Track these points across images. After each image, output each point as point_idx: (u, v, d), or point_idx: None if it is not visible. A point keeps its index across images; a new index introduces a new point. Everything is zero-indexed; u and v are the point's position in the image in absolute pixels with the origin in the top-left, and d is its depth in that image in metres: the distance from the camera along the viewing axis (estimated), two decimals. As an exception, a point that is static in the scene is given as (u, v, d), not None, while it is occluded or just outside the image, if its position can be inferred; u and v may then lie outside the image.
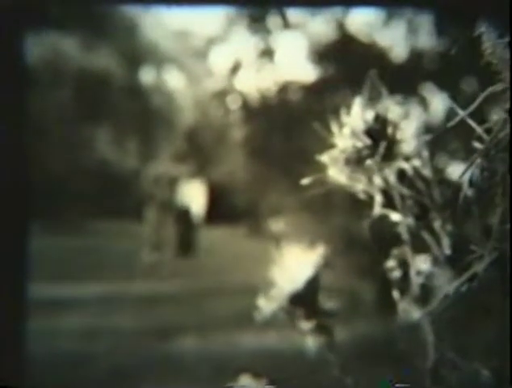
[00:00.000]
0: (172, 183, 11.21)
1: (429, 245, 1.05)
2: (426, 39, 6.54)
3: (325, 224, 6.82)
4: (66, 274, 7.18)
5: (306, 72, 7.54)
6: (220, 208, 14.30)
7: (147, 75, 15.09)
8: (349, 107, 1.08)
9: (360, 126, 1.06)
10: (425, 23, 6.42)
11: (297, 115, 7.10)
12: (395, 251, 1.08)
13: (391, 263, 1.09)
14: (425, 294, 1.03)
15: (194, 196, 11.79)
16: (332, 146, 1.08)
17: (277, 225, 8.48)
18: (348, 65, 6.37)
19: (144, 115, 14.47)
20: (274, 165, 7.80)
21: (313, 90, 6.92)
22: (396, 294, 1.06)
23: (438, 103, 6.15)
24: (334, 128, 1.08)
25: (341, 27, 6.93)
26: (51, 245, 8.00)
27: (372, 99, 1.06)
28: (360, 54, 6.48)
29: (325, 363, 1.20)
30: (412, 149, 1.06)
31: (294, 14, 7.25)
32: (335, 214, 6.60)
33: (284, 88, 7.80)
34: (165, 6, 8.69)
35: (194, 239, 11.28)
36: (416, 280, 1.04)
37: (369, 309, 5.60)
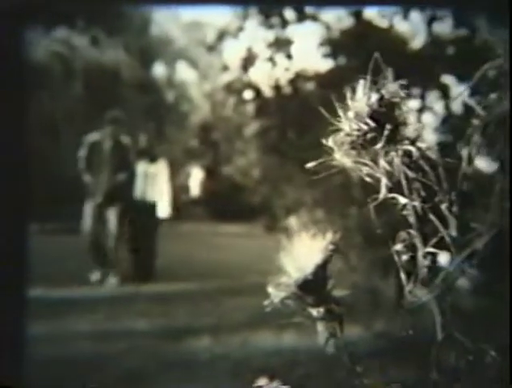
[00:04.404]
0: (122, 160, 7.51)
1: (436, 227, 1.04)
2: (445, 27, 6.53)
3: (339, 215, 6.82)
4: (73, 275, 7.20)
5: (322, 62, 7.54)
6: (235, 205, 14.27)
7: (159, 70, 15.15)
8: (354, 91, 1.08)
9: (364, 109, 1.06)
10: (445, 12, 6.39)
11: (313, 106, 7.08)
12: (402, 234, 1.08)
13: (398, 246, 1.09)
14: (433, 277, 1.03)
15: (156, 182, 8.12)
16: (338, 130, 1.09)
17: (293, 221, 8.45)
18: (365, 53, 6.34)
19: (157, 110, 14.51)
20: (289, 158, 7.79)
21: (330, 81, 6.90)
22: (403, 277, 1.07)
23: (457, 89, 6.15)
24: (340, 111, 1.08)
25: (357, 15, 6.92)
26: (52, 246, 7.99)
27: (377, 83, 1.07)
28: (378, 41, 6.45)
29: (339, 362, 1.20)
30: (417, 131, 1.06)
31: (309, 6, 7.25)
32: (349, 208, 6.60)
33: (300, 79, 7.79)
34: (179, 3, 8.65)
35: (153, 257, 8.05)
36: (423, 263, 1.04)
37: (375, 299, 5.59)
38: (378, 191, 1.07)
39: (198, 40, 13.38)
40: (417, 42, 6.74)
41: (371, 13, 6.82)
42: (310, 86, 7.74)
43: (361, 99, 1.06)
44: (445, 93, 6.03)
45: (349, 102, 1.07)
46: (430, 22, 6.40)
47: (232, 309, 6.26)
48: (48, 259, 7.21)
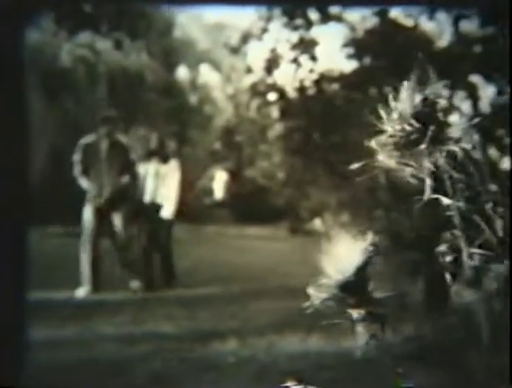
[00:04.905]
0: (122, 161, 7.12)
1: (481, 228, 1.04)
2: (472, 26, 6.48)
3: (365, 218, 6.78)
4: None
5: (347, 63, 7.52)
6: (259, 207, 14.25)
7: (183, 73, 15.16)
8: (397, 92, 1.08)
9: (409, 110, 1.05)
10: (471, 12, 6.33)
11: (338, 107, 7.07)
12: (446, 235, 1.07)
13: (442, 247, 1.08)
14: (478, 277, 1.02)
15: (166, 183, 7.53)
16: (380, 132, 1.08)
17: (318, 223, 8.40)
18: (391, 53, 6.31)
19: (181, 113, 14.53)
20: (314, 160, 7.76)
21: (354, 81, 6.86)
22: (448, 278, 1.06)
23: (486, 89, 6.09)
24: (383, 113, 1.08)
25: (382, 14, 6.88)
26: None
27: (421, 84, 1.06)
28: (403, 41, 6.39)
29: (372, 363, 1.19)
30: (461, 132, 1.06)
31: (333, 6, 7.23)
32: (376, 210, 6.57)
33: (324, 80, 7.76)
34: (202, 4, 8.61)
35: (170, 260, 7.61)
36: (468, 263, 1.03)
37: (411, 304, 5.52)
38: (406, 194, 1.07)
39: (221, 42, 13.39)
40: (444, 41, 6.69)
41: (396, 12, 6.78)
42: (335, 87, 7.71)
43: (405, 99, 1.06)
44: (472, 92, 5.97)
45: (392, 103, 1.07)
46: (457, 20, 6.35)
47: (258, 312, 6.23)
48: (73, 262, 7.22)
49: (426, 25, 6.71)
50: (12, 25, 3.11)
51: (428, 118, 1.05)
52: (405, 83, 1.06)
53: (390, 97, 1.07)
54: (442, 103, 1.06)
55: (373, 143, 1.07)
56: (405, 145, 1.05)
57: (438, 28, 6.64)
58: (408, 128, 1.04)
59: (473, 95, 5.95)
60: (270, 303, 6.46)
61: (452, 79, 5.71)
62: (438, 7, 6.06)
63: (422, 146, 1.04)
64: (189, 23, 15.46)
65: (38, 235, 11.57)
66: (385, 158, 1.06)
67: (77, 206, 7.08)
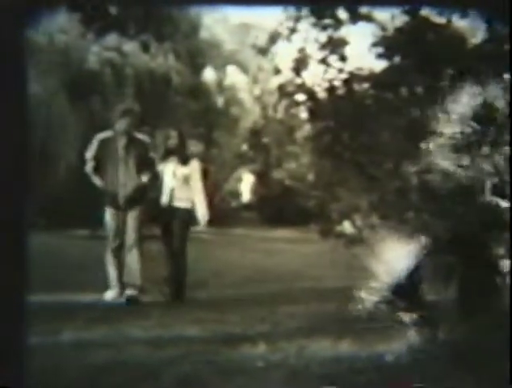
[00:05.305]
0: (142, 158, 6.73)
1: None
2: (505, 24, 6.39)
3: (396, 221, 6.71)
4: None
5: (377, 62, 7.48)
6: (287, 210, 14.18)
7: (209, 74, 15.15)
8: (455, 94, 1.06)
9: (468, 112, 1.04)
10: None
11: (369, 107, 7.02)
12: (504, 238, 1.06)
13: (500, 250, 1.07)
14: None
15: (191, 185, 7.09)
16: (436, 134, 1.07)
17: (349, 226, 8.33)
18: (421, 51, 6.25)
19: (207, 115, 14.53)
20: (344, 161, 7.72)
21: (385, 81, 6.81)
22: (499, 280, 1.05)
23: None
24: (440, 115, 1.07)
25: (413, 12, 6.80)
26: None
27: (478, 85, 1.05)
28: (434, 39, 6.31)
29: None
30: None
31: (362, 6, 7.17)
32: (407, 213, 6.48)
33: (354, 80, 7.72)
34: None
35: (184, 269, 7.06)
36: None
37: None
38: (437, 196, 1.06)
39: (248, 43, 13.39)
40: (477, 39, 6.59)
41: (427, 10, 6.70)
42: (364, 86, 7.66)
43: (464, 102, 1.05)
44: (506, 91, 5.85)
45: (450, 105, 1.06)
46: (490, 18, 6.26)
47: (287, 316, 6.19)
48: (101, 265, 7.19)
49: (459, 23, 6.61)
50: (13, 23, 3.10)
51: (487, 120, 1.04)
52: (464, 85, 1.05)
53: (448, 99, 1.06)
54: (500, 104, 1.05)
55: (431, 145, 1.06)
56: (464, 147, 1.04)
57: (471, 26, 6.55)
58: (467, 130, 1.03)
59: (507, 93, 5.83)
60: (299, 306, 6.42)
61: (485, 77, 5.66)
62: (469, 7, 5.97)
63: (482, 148, 1.03)
64: (215, 24, 15.47)
65: (66, 238, 11.65)
66: (442, 160, 1.05)
67: (104, 208, 6.95)
